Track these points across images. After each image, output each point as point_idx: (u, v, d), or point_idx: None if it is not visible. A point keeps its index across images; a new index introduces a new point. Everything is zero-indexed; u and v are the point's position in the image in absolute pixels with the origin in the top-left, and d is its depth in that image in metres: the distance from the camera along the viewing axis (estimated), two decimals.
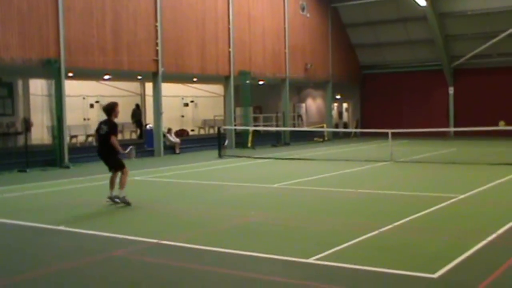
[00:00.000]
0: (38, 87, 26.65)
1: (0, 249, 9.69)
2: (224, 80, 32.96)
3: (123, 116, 33.88)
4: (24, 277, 7.91)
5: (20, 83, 28.59)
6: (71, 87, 26.50)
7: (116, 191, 13.43)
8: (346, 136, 41.77)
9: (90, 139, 30.07)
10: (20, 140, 25.69)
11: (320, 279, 7.53)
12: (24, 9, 22.30)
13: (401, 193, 14.89)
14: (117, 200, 13.32)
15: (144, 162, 25.04)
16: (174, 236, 10.04)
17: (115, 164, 13.62)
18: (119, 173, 13.58)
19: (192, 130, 38.77)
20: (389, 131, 24.30)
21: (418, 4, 35.93)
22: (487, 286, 7.03)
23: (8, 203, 14.69)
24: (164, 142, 28.81)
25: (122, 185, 13.37)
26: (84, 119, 31.95)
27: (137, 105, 34.51)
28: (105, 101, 33.13)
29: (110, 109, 13.74)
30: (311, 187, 16.29)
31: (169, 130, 30.24)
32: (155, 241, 9.70)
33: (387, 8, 39.29)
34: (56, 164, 23.01)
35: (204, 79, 34.30)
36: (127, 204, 13.22)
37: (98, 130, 13.81)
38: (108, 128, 13.46)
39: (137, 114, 34.10)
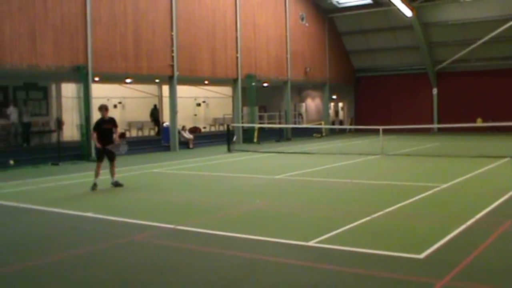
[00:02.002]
0: (69, 90, 26.72)
1: (34, 233, 9.73)
2: (232, 82, 32.95)
3: (143, 115, 34.03)
4: (55, 258, 7.93)
5: (53, 87, 28.69)
6: (97, 90, 26.53)
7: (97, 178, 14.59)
8: (342, 132, 41.70)
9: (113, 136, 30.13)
10: (54, 137, 25.78)
11: (319, 260, 7.52)
12: (57, 23, 22.47)
13: (391, 183, 14.84)
14: (119, 183, 14.65)
15: (161, 156, 25.10)
16: (188, 222, 10.03)
17: (114, 155, 14.84)
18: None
19: (204, 127, 38.75)
20: (380, 127, 24.22)
21: (405, 15, 35.87)
22: (468, 265, 7.01)
23: (43, 192, 14.74)
24: (179, 138, 28.81)
25: (114, 172, 14.81)
26: None
27: (155, 106, 34.54)
28: (127, 102, 33.51)
29: (99, 108, 14.97)
30: (311, 178, 16.27)
31: (184, 127, 30.25)
32: (171, 226, 9.69)
33: (377, 18, 39.21)
34: (84, 158, 23.09)
35: (215, 81, 34.27)
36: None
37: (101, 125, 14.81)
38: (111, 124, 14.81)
39: (155, 113, 34.13)
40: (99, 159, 14.63)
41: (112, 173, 14.72)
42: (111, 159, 14.69)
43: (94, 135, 14.64)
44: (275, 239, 8.57)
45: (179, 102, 29.03)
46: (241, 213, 11.06)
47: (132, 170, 19.45)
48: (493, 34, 35.20)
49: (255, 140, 32.28)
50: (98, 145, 14.48)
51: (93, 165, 21.28)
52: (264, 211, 11.11)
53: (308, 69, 38.09)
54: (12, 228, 10.29)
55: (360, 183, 14.95)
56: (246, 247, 8.32)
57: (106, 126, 14.61)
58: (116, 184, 14.63)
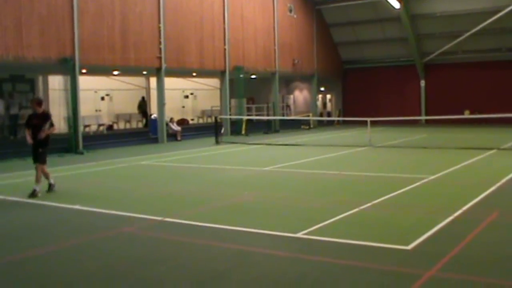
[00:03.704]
0: (56, 82, 26.61)
1: (22, 226, 9.68)
2: (220, 74, 32.87)
3: (131, 108, 33.91)
4: (44, 250, 7.92)
5: (40, 79, 28.52)
6: (84, 82, 26.36)
7: (35, 184, 12.50)
8: (330, 124, 41.77)
9: (101, 128, 30.06)
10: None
11: (307, 251, 7.56)
12: (44, 13, 22.22)
13: (378, 175, 14.92)
14: (52, 187, 12.79)
15: (149, 148, 25.04)
16: (176, 214, 10.05)
17: (41, 157, 12.67)
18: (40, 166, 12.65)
19: (192, 119, 38.71)
20: (368, 119, 24.33)
21: (393, 7, 35.91)
22: (455, 256, 7.08)
23: (30, 185, 14.57)
24: (167, 130, 28.75)
25: (44, 176, 12.75)
26: (96, 111, 31.89)
27: (143, 98, 34.44)
28: (114, 94, 33.36)
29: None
30: (299, 169, 16.30)
31: (171, 119, 30.18)
32: (159, 218, 9.70)
33: (365, 10, 39.25)
34: (72, 151, 22.96)
35: (202, 73, 34.21)
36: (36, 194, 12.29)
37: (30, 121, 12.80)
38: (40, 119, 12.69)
39: (143, 105, 34.03)
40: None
41: (45, 175, 12.69)
42: (36, 160, 12.60)
43: (26, 131, 12.70)
44: (263, 230, 8.60)
45: (167, 94, 28.91)
46: (229, 205, 11.07)
47: (119, 162, 19.41)
48: (480, 26, 35.35)
49: (243, 132, 32.26)
50: (30, 141, 12.54)
51: (80, 158, 21.44)
52: (253, 203, 11.13)
53: (296, 61, 38.08)
54: (0, 221, 10.27)
55: (348, 174, 15.01)
56: (235, 239, 8.34)
57: (34, 122, 12.65)
58: (50, 187, 12.79)
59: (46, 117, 12.71)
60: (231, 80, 32.85)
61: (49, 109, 26.97)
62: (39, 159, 12.54)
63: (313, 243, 7.94)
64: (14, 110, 25.33)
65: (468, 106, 37.34)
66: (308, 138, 29.24)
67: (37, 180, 12.45)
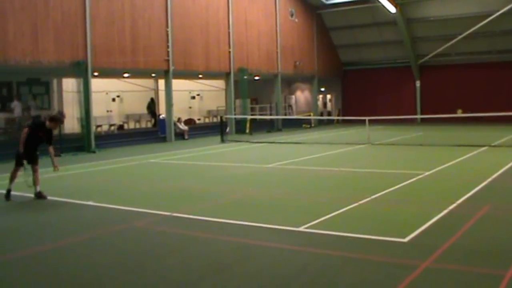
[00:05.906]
0: (69, 85, 26.69)
1: (38, 221, 9.72)
2: (225, 76, 32.89)
3: (140, 108, 33.92)
4: (59, 244, 7.94)
5: (55, 82, 28.58)
6: (96, 84, 26.41)
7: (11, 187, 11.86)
8: (330, 123, 41.72)
9: (112, 128, 30.08)
10: (55, 130, 25.70)
11: (308, 244, 7.55)
12: (58, 20, 22.35)
13: (377, 171, 14.89)
14: (43, 195, 11.72)
15: (158, 147, 25.06)
16: (184, 209, 10.04)
17: (37, 158, 12.02)
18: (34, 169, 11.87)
19: (199, 119, 38.66)
20: (366, 118, 24.27)
21: (389, 11, 35.90)
22: (449, 247, 7.07)
23: (46, 182, 14.58)
24: (175, 130, 28.75)
25: (38, 180, 11.89)
26: (107, 111, 31.89)
27: (152, 99, 34.43)
28: (125, 96, 33.36)
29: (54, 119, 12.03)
30: (301, 166, 16.29)
31: (179, 119, 30.18)
32: (168, 213, 9.70)
33: (363, 14, 39.16)
34: (85, 149, 23.03)
35: (208, 75, 34.19)
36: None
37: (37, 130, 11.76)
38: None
39: (152, 106, 34.03)
40: (19, 163, 11.79)
41: (36, 181, 11.79)
42: (34, 161, 11.86)
43: (25, 132, 11.68)
44: (267, 225, 8.60)
45: (175, 95, 28.95)
46: (234, 200, 11.07)
47: (130, 160, 19.43)
48: (472, 30, 35.34)
49: (247, 131, 32.23)
50: (22, 150, 11.55)
51: (92, 156, 21.46)
52: (256, 199, 11.12)
53: (297, 63, 38.04)
54: (16, 216, 10.28)
55: (348, 171, 14.99)
56: (239, 232, 8.34)
57: (40, 134, 11.79)
58: (40, 196, 11.66)
59: (50, 135, 11.95)
60: (235, 82, 32.83)
61: (63, 110, 27.17)
62: (36, 160, 11.92)
63: (314, 236, 7.93)
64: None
65: (460, 105, 37.32)
66: (309, 136, 29.21)
67: (38, 182, 11.82)
